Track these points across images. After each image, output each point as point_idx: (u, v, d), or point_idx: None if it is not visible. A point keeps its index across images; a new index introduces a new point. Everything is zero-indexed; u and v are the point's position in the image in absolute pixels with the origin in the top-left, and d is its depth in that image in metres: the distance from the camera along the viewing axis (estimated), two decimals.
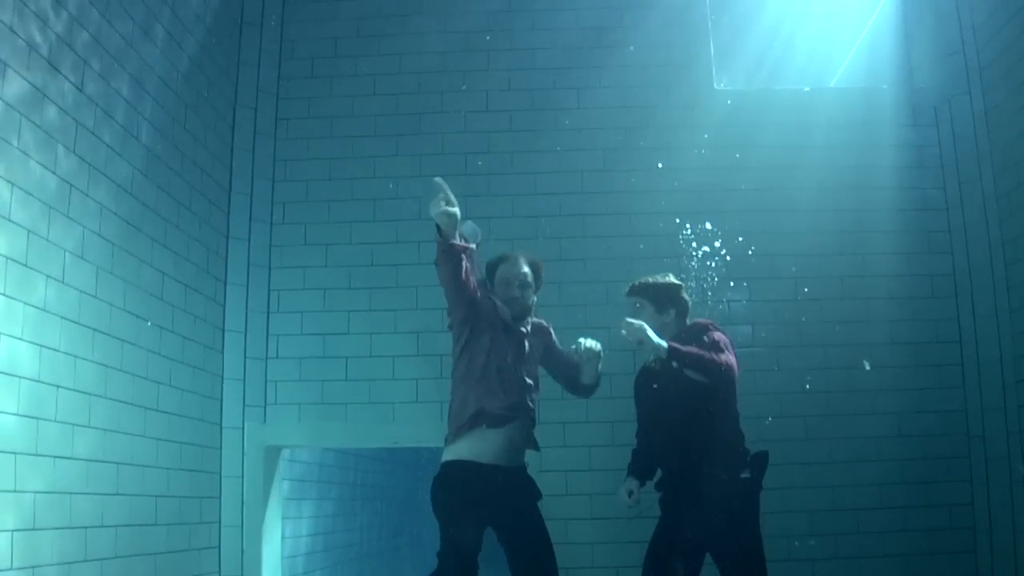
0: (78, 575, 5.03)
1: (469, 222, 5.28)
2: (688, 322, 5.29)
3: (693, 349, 4.85)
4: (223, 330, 7.24)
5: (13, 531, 4.51)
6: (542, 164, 7.63)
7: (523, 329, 5.10)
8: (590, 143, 7.66)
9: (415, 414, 7.28)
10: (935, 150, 7.60)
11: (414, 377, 7.31)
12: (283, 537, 7.68)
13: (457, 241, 4.75)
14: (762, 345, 7.24)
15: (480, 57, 7.86)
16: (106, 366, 5.45)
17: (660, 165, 7.56)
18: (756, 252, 7.39)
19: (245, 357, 7.31)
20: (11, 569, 4.45)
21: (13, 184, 4.59)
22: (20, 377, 4.62)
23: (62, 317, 5.00)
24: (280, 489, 7.60)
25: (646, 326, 4.81)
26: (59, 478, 4.92)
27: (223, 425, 7.13)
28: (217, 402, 7.10)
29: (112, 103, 5.61)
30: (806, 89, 7.89)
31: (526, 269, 5.15)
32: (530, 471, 5.16)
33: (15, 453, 4.55)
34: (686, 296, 5.28)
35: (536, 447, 5.12)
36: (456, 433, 4.91)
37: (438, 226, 4.72)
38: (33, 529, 4.67)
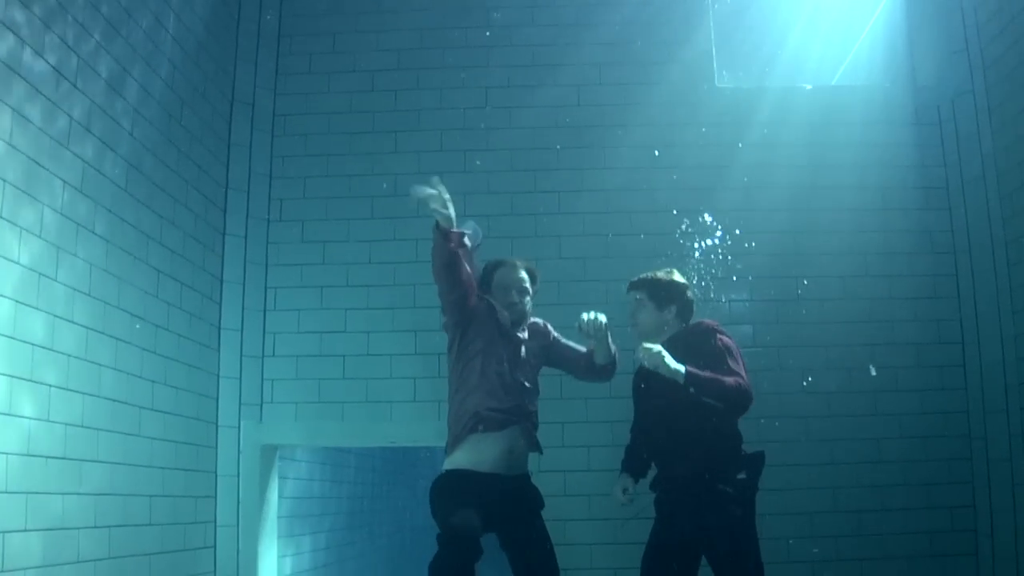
0: None
1: (471, 222, 5.22)
2: (691, 321, 5.22)
3: (709, 375, 4.74)
4: (219, 328, 7.19)
5: (5, 533, 4.46)
6: (541, 161, 7.59)
7: (520, 335, 5.04)
8: (589, 140, 7.61)
9: (412, 413, 7.24)
10: (938, 149, 7.56)
11: (411, 376, 7.27)
12: (279, 535, 7.63)
13: (455, 229, 4.69)
14: (763, 345, 7.19)
15: (479, 53, 7.81)
16: (99, 364, 5.40)
17: (661, 162, 7.51)
18: (757, 251, 7.34)
19: (241, 355, 7.27)
20: (3, 571, 4.41)
21: (4, 180, 4.53)
22: (11, 377, 4.56)
23: (54, 315, 4.95)
24: (276, 488, 7.55)
25: (663, 351, 4.71)
26: (51, 479, 4.87)
27: (219, 424, 7.09)
28: (213, 400, 7.05)
29: (106, 98, 5.55)
30: (808, 87, 7.84)
31: (524, 275, 5.10)
32: (528, 470, 5.10)
33: (6, 454, 4.51)
34: (690, 295, 5.19)
35: (539, 450, 5.07)
36: (454, 442, 4.86)
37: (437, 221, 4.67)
38: (25, 530, 4.61)
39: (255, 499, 7.16)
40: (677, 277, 5.20)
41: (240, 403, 7.21)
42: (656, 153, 7.54)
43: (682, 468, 4.93)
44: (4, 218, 4.54)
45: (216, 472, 7.02)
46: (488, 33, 7.82)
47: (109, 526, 5.44)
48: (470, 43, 7.82)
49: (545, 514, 5.05)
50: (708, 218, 7.33)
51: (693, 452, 4.84)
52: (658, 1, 7.85)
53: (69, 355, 5.07)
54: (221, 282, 7.24)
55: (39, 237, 4.82)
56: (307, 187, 7.61)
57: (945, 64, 7.66)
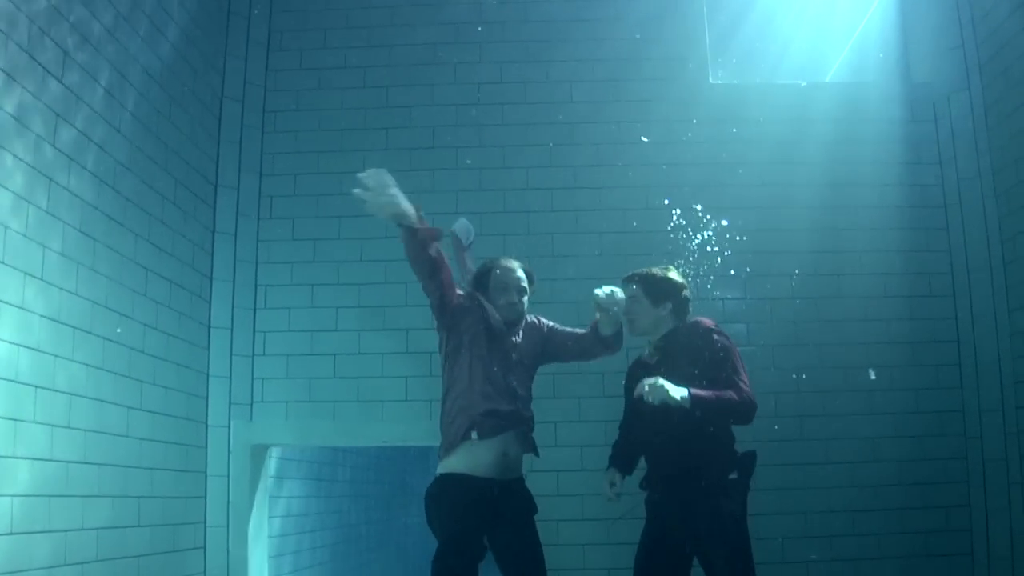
0: None
1: (462, 219, 5.18)
2: (688, 319, 5.16)
3: (713, 395, 4.69)
4: (209, 327, 7.13)
5: None
6: (534, 159, 7.54)
7: (514, 339, 4.98)
8: (583, 137, 7.57)
9: (404, 412, 7.19)
10: (933, 147, 7.53)
11: (403, 375, 7.22)
12: (269, 536, 7.58)
13: (420, 225, 4.60)
14: (757, 343, 7.17)
15: (472, 49, 7.76)
16: (88, 365, 5.34)
17: (654, 160, 7.47)
18: (751, 249, 7.31)
19: (231, 354, 7.22)
20: None
21: None
22: None
23: (41, 315, 4.89)
24: (267, 487, 7.50)
25: (665, 384, 4.65)
26: (38, 481, 4.81)
27: (209, 424, 7.04)
28: (203, 400, 7.00)
29: (93, 94, 5.49)
30: (802, 83, 7.80)
31: (522, 274, 5.03)
32: (522, 473, 5.05)
33: None
34: (687, 294, 5.14)
35: (535, 451, 5.00)
36: (448, 448, 4.79)
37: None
38: (11, 534, 4.56)
39: (245, 499, 7.10)
40: (674, 274, 5.15)
41: (230, 402, 7.15)
42: (649, 149, 7.49)
43: (673, 467, 4.89)
44: None
45: (206, 472, 6.96)
46: (480, 28, 7.77)
47: (97, 528, 5.38)
48: (462, 39, 7.77)
49: (538, 515, 5.00)
50: (702, 215, 7.29)
51: (685, 451, 4.80)
52: None
53: (55, 355, 5.01)
54: (211, 280, 7.18)
55: (24, 236, 4.75)
56: (298, 184, 7.56)
57: (940, 61, 7.62)
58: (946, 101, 7.52)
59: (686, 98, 7.62)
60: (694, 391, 4.64)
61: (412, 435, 7.24)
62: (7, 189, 4.64)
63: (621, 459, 5.26)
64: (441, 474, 4.80)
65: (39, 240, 4.88)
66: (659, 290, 5.07)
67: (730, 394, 4.73)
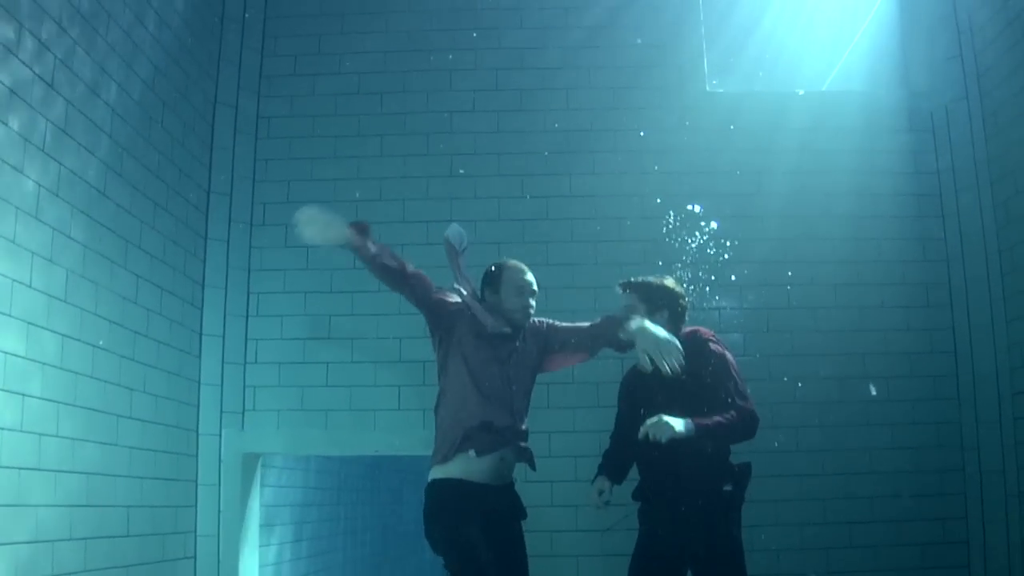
0: None
1: (455, 225, 5.12)
2: (684, 328, 5.12)
3: (716, 422, 4.67)
4: (200, 334, 7.08)
5: None
6: (530, 166, 7.50)
7: (517, 343, 4.90)
8: (579, 145, 7.53)
9: (397, 422, 7.14)
10: (931, 156, 7.51)
11: (396, 384, 7.18)
12: (261, 545, 7.52)
13: (360, 242, 4.65)
14: (753, 353, 7.11)
15: (467, 56, 7.72)
16: (76, 373, 5.28)
17: (651, 168, 7.43)
18: (748, 258, 7.27)
19: (223, 362, 7.17)
20: None
21: None
22: None
23: (29, 323, 4.82)
24: (258, 496, 7.44)
25: (668, 420, 4.60)
26: (25, 490, 4.75)
27: (199, 432, 6.98)
28: (194, 408, 6.94)
29: (84, 99, 5.43)
30: (800, 92, 7.76)
31: (532, 277, 4.97)
32: (513, 478, 4.97)
33: None
34: (683, 303, 5.09)
35: (532, 463, 4.92)
36: (443, 458, 4.72)
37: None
38: None
39: (236, 508, 7.05)
40: (670, 283, 5.11)
41: (221, 411, 7.10)
42: (646, 157, 7.46)
43: (667, 479, 4.85)
44: None
45: (197, 481, 6.91)
46: (475, 35, 7.73)
47: (85, 538, 5.32)
48: (457, 45, 7.73)
49: (531, 525, 4.94)
50: (698, 224, 7.25)
51: (679, 463, 4.76)
52: (648, 4, 7.77)
53: (44, 363, 4.95)
54: (203, 287, 7.13)
55: (13, 242, 4.69)
56: (291, 191, 7.50)
57: (939, 70, 7.60)
58: (944, 111, 7.50)
59: (682, 105, 7.59)
60: (698, 420, 4.62)
61: (405, 445, 7.18)
62: None
63: (612, 468, 5.22)
64: (439, 479, 4.71)
65: (27, 246, 4.82)
66: (656, 299, 5.03)
67: (732, 415, 4.71)
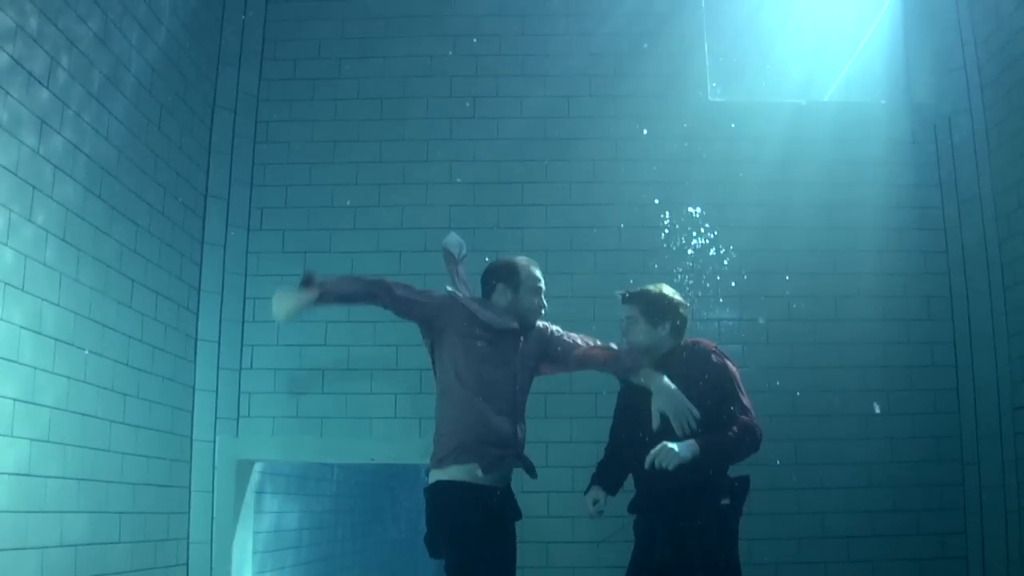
0: None
1: (453, 234, 5.10)
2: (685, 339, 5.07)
3: (719, 442, 4.64)
4: (195, 339, 7.03)
5: None
6: (529, 174, 7.47)
7: (519, 343, 4.86)
8: (579, 154, 7.49)
9: (393, 430, 7.08)
10: (934, 168, 7.47)
11: (393, 391, 7.12)
12: (254, 552, 7.47)
13: (318, 291, 4.73)
14: (752, 365, 7.03)
15: (468, 62, 7.68)
16: (69, 378, 5.23)
17: (651, 177, 7.39)
18: (748, 269, 7.24)
19: (218, 368, 7.11)
20: None
21: None
22: None
23: (22, 327, 4.77)
24: (252, 503, 7.39)
25: (673, 446, 4.56)
26: (15, 496, 4.69)
27: (193, 438, 6.92)
28: (188, 414, 6.89)
29: (81, 101, 5.38)
30: (802, 103, 7.72)
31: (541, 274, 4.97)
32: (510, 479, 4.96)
33: None
34: (684, 313, 5.04)
35: (532, 471, 4.90)
36: (442, 461, 4.68)
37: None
38: None
39: (230, 515, 7.00)
40: (672, 293, 5.06)
41: (216, 417, 7.05)
42: (646, 167, 7.42)
43: (664, 492, 4.80)
44: None
45: (190, 487, 6.86)
46: (475, 41, 7.69)
47: (76, 544, 5.26)
48: (458, 52, 7.70)
49: (527, 536, 4.92)
50: (699, 234, 7.22)
51: (675, 476, 4.70)
52: (651, 13, 7.73)
53: (35, 368, 4.89)
54: (199, 292, 7.08)
55: (6, 245, 4.65)
56: (289, 196, 7.47)
57: (942, 82, 7.57)
58: (947, 123, 7.47)
59: (684, 115, 7.54)
60: (703, 441, 4.58)
61: (401, 453, 7.13)
62: None
63: (606, 478, 5.17)
64: (442, 481, 4.68)
65: (21, 249, 4.77)
66: (657, 310, 4.99)
67: (735, 431, 4.67)
